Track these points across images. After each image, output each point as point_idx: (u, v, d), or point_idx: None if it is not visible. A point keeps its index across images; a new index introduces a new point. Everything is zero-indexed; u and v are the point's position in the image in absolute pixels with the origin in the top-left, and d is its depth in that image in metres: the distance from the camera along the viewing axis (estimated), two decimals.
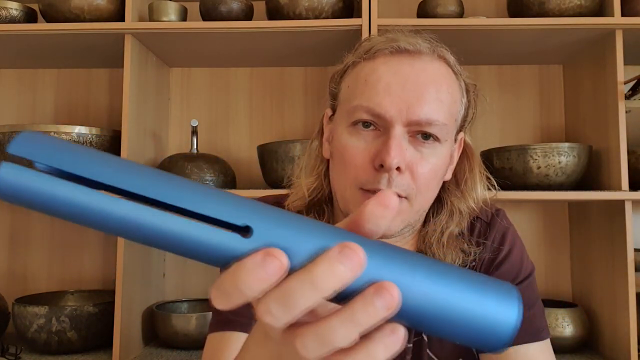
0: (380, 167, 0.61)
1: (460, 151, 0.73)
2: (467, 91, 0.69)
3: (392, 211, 0.27)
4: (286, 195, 0.78)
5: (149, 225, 0.25)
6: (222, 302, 0.26)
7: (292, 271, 0.26)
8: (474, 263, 0.72)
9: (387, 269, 0.27)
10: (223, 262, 0.26)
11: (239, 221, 0.25)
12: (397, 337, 0.27)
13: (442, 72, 0.65)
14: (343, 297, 0.26)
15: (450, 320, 0.27)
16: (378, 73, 0.64)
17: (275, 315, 0.25)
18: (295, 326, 0.27)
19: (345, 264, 0.25)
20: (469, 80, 0.70)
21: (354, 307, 0.26)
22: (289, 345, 0.27)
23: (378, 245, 0.28)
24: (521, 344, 0.68)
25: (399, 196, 0.63)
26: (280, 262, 0.24)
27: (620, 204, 1.28)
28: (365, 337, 0.27)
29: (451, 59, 0.67)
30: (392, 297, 0.26)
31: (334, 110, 0.72)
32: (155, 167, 0.27)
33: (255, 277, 0.24)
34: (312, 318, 0.27)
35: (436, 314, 0.27)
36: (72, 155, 0.25)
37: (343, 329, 0.26)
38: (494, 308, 0.27)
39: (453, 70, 0.67)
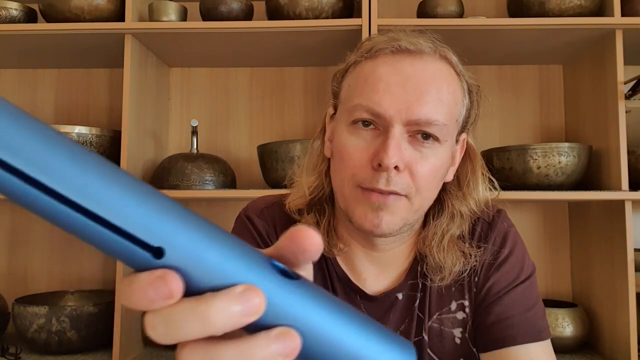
0: (379, 166, 0.61)
1: (463, 152, 0.72)
2: (470, 92, 0.69)
3: (315, 246, 0.27)
4: (286, 195, 0.78)
5: (68, 225, 0.23)
6: (122, 300, 0.26)
7: (192, 294, 0.25)
8: (475, 264, 0.72)
9: (296, 314, 0.26)
10: (133, 269, 0.25)
11: (154, 241, 0.24)
12: None
13: (443, 72, 0.65)
14: (246, 330, 0.26)
15: None
16: (378, 72, 0.64)
17: (157, 332, 0.25)
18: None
19: (242, 306, 0.24)
20: (471, 80, 0.69)
21: (255, 343, 0.25)
22: (176, 354, 0.27)
23: (295, 287, 0.27)
24: (522, 344, 0.68)
25: (398, 194, 0.63)
26: (169, 289, 0.24)
27: (620, 204, 1.28)
28: None
29: (454, 59, 0.67)
30: (293, 347, 0.25)
31: (335, 109, 0.72)
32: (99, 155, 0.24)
33: (144, 295, 0.24)
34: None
35: None
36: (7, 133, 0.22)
37: (236, 358, 0.25)
38: None
39: (455, 71, 0.67)
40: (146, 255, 0.24)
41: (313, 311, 0.27)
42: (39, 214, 0.23)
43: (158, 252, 0.24)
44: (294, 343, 0.25)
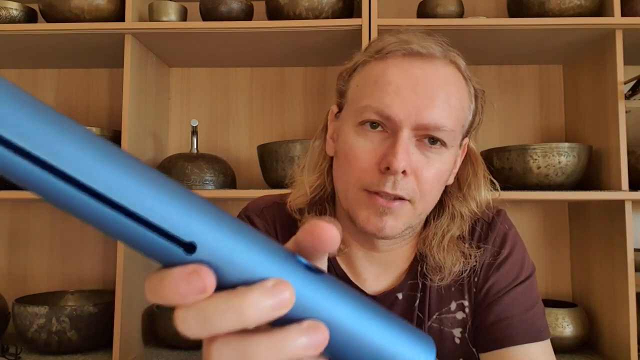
0: (386, 169, 0.61)
1: (464, 156, 0.72)
2: (476, 97, 0.69)
3: (333, 242, 0.28)
4: (286, 195, 0.78)
5: (88, 216, 0.24)
6: (149, 297, 0.26)
7: (221, 289, 0.25)
8: (474, 264, 0.72)
9: (323, 308, 0.27)
10: (162, 264, 0.26)
11: (186, 237, 0.24)
12: None
13: (452, 77, 0.65)
14: (274, 324, 0.27)
15: None
16: (389, 74, 0.63)
17: (190, 327, 0.25)
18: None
19: (274, 300, 0.25)
20: (477, 85, 0.69)
21: (286, 335, 0.26)
22: (204, 349, 0.27)
23: (321, 280, 0.28)
24: (522, 344, 0.68)
25: (402, 199, 0.63)
26: (203, 283, 0.24)
27: (620, 204, 1.28)
28: None
29: (462, 64, 0.67)
30: (322, 339, 0.26)
31: (340, 108, 0.71)
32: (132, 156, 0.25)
33: (176, 289, 0.24)
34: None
35: (357, 356, 0.28)
36: (15, 115, 0.22)
37: (267, 351, 0.25)
38: (413, 357, 0.29)
39: (463, 76, 0.67)
40: (178, 250, 0.25)
41: (338, 305, 0.27)
42: (70, 211, 0.24)
43: (190, 248, 0.25)
44: (324, 335, 0.26)
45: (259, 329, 0.26)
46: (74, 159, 0.23)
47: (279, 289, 0.25)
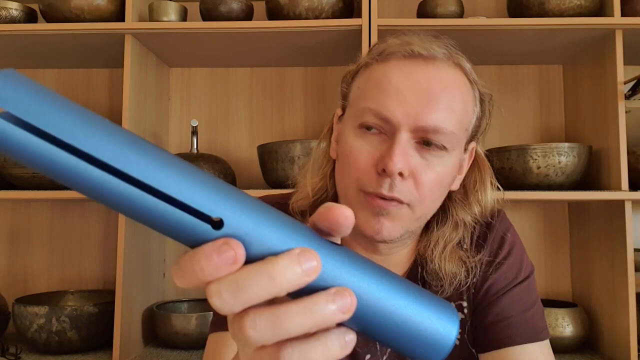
0: (383, 171, 0.60)
1: (471, 161, 0.71)
2: (482, 100, 0.68)
3: (347, 224, 0.29)
4: (288, 195, 0.78)
5: (121, 200, 0.25)
6: (179, 280, 0.27)
7: (248, 262, 0.27)
8: (473, 264, 0.71)
9: (348, 275, 0.28)
10: (191, 244, 0.27)
11: (214, 213, 0.26)
12: (352, 338, 0.29)
13: (456, 80, 0.64)
14: (302, 295, 0.28)
15: (397, 331, 0.29)
16: (389, 76, 0.63)
17: (224, 299, 0.26)
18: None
19: (302, 266, 0.26)
20: (484, 89, 0.68)
21: (316, 300, 0.27)
22: (235, 324, 0.27)
23: (343, 252, 0.29)
24: (521, 344, 0.68)
25: (400, 202, 0.62)
26: (235, 253, 0.25)
27: (620, 204, 1.28)
28: (322, 330, 0.28)
29: (467, 66, 0.66)
30: (350, 302, 0.27)
31: (344, 110, 0.70)
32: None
33: (209, 262, 0.25)
34: None
35: (384, 323, 0.29)
36: (48, 109, 0.24)
37: (299, 317, 0.26)
38: (438, 324, 0.30)
39: (468, 79, 0.66)
40: (206, 227, 0.26)
41: (361, 272, 0.29)
42: (105, 199, 0.25)
43: (218, 224, 0.26)
44: (351, 298, 0.27)
45: (287, 300, 0.27)
46: (110, 149, 0.24)
47: (306, 256, 0.26)
